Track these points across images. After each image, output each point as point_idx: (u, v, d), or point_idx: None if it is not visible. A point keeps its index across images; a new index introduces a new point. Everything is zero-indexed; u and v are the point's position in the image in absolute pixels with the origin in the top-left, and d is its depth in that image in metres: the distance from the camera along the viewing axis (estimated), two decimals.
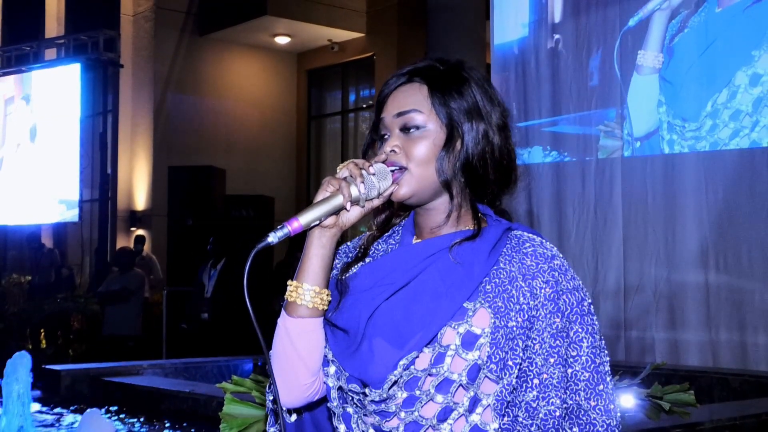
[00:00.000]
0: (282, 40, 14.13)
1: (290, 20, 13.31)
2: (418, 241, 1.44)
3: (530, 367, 1.34)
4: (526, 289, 1.35)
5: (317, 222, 1.35)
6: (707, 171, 6.52)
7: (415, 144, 1.39)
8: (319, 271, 1.37)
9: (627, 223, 6.92)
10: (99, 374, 6.43)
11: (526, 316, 1.34)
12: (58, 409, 6.03)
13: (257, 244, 1.32)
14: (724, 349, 6.37)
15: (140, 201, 13.61)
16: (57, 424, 5.71)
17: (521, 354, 1.33)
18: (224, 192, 12.10)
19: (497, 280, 1.35)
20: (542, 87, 7.47)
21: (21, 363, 4.66)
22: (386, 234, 1.50)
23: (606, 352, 1.39)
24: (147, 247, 12.26)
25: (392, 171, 1.38)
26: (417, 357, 1.32)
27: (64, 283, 11.95)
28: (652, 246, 6.76)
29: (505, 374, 1.32)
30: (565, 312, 1.35)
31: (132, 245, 11.61)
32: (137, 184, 13.65)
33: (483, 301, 1.34)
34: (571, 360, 1.35)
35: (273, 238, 1.31)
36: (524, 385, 1.34)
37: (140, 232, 12.98)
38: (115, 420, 5.65)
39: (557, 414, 1.33)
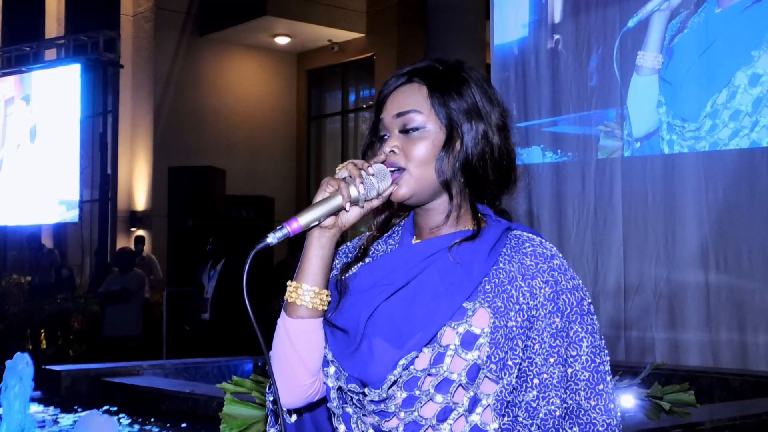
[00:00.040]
0: (282, 41, 14.13)
1: (290, 20, 13.31)
2: (418, 241, 1.44)
3: (530, 367, 1.34)
4: (525, 288, 1.35)
5: (316, 222, 1.35)
6: (707, 171, 6.52)
7: (415, 144, 1.39)
8: (318, 271, 1.37)
9: (627, 223, 6.91)
10: (99, 375, 6.43)
11: (526, 316, 1.34)
12: (58, 410, 6.03)
13: (257, 244, 1.32)
14: (724, 349, 6.37)
15: (140, 201, 13.61)
16: (57, 425, 5.71)
17: (521, 354, 1.33)
18: (224, 192, 12.10)
19: (497, 280, 1.35)
20: (542, 87, 7.47)
21: (21, 364, 4.66)
22: (386, 234, 1.50)
23: (606, 351, 1.39)
24: (147, 248, 12.26)
25: (391, 171, 1.38)
26: (416, 357, 1.32)
27: (65, 284, 11.95)
28: (652, 246, 6.76)
29: (505, 374, 1.32)
30: (565, 312, 1.35)
31: (132, 246, 11.61)
32: (137, 184, 13.65)
33: (482, 301, 1.34)
34: (571, 360, 1.35)
35: (272, 238, 1.32)
36: (524, 384, 1.34)
37: (140, 232, 12.99)
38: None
39: (557, 414, 1.33)
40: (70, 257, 13.74)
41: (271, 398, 1.46)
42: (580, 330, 1.36)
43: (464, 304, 1.33)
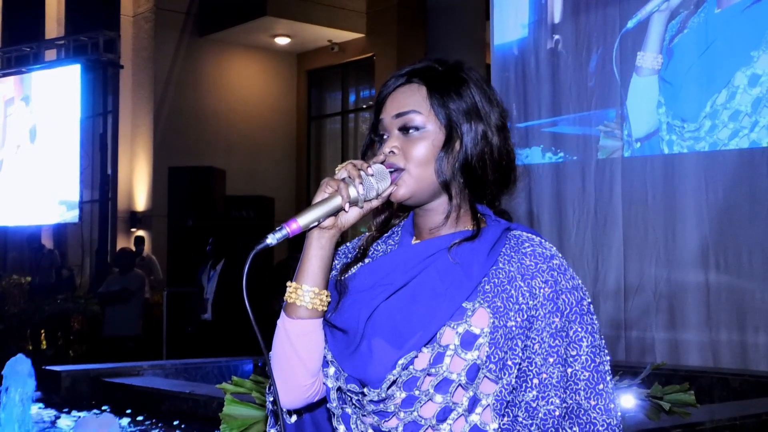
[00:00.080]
0: (282, 41, 14.13)
1: (290, 21, 13.31)
2: (417, 241, 1.44)
3: (530, 367, 1.34)
4: (525, 288, 1.35)
5: (316, 223, 1.35)
6: (707, 171, 6.52)
7: (414, 145, 1.39)
8: (318, 272, 1.37)
9: (627, 223, 6.91)
10: (99, 375, 6.44)
11: (525, 316, 1.34)
12: (58, 410, 6.03)
13: (256, 245, 1.32)
14: (724, 349, 6.37)
15: (140, 202, 13.61)
16: (57, 425, 5.71)
17: (520, 354, 1.33)
18: (224, 192, 12.10)
19: (496, 280, 1.35)
20: (542, 87, 7.47)
21: (21, 366, 4.66)
22: (385, 235, 1.50)
23: (606, 351, 1.39)
24: (147, 248, 12.27)
25: (391, 172, 1.38)
26: (416, 357, 1.32)
27: (65, 284, 11.96)
28: (652, 246, 6.76)
29: (505, 374, 1.32)
30: (565, 311, 1.35)
31: (132, 246, 11.62)
32: (137, 184, 13.66)
33: (482, 301, 1.34)
34: (571, 359, 1.35)
35: (272, 239, 1.32)
36: (524, 384, 1.34)
37: (140, 232, 12.99)
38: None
39: (557, 414, 1.33)
40: (70, 258, 13.74)
41: (271, 399, 1.46)
42: (579, 330, 1.36)
43: (464, 304, 1.33)
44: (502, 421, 1.33)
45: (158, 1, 13.61)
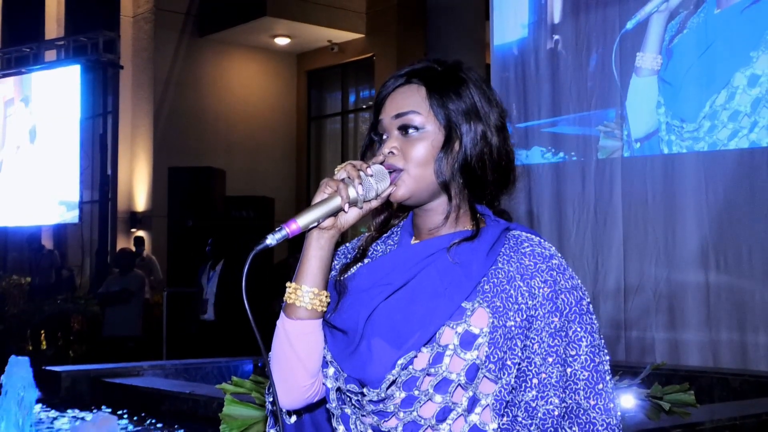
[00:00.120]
0: (282, 41, 14.13)
1: (290, 21, 13.32)
2: (417, 241, 1.44)
3: (529, 367, 1.34)
4: (524, 288, 1.35)
5: (315, 224, 1.35)
6: (707, 171, 6.52)
7: (414, 145, 1.39)
8: (317, 272, 1.37)
9: (627, 223, 6.91)
10: (99, 375, 6.43)
11: (525, 316, 1.34)
12: (58, 411, 6.03)
13: (256, 246, 1.32)
14: (724, 349, 6.37)
15: (140, 202, 13.62)
16: (56, 425, 5.71)
17: (520, 354, 1.33)
18: (224, 193, 12.09)
19: (495, 280, 1.35)
20: (542, 87, 7.47)
21: (20, 367, 4.65)
22: (385, 235, 1.50)
23: (606, 351, 1.39)
24: (147, 248, 12.26)
25: (390, 172, 1.38)
26: (415, 357, 1.32)
27: (65, 285, 11.96)
28: (652, 246, 6.76)
29: (504, 374, 1.32)
30: (564, 311, 1.35)
31: (132, 246, 11.61)
32: (137, 185, 13.66)
33: (481, 301, 1.34)
34: (570, 359, 1.35)
35: (271, 240, 1.32)
36: (523, 384, 1.34)
37: (140, 233, 12.98)
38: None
39: (556, 413, 1.33)
40: (70, 258, 13.75)
41: (271, 399, 1.46)
42: (579, 329, 1.36)
43: (463, 304, 1.33)
44: (501, 421, 1.33)
45: (158, 1, 13.61)
